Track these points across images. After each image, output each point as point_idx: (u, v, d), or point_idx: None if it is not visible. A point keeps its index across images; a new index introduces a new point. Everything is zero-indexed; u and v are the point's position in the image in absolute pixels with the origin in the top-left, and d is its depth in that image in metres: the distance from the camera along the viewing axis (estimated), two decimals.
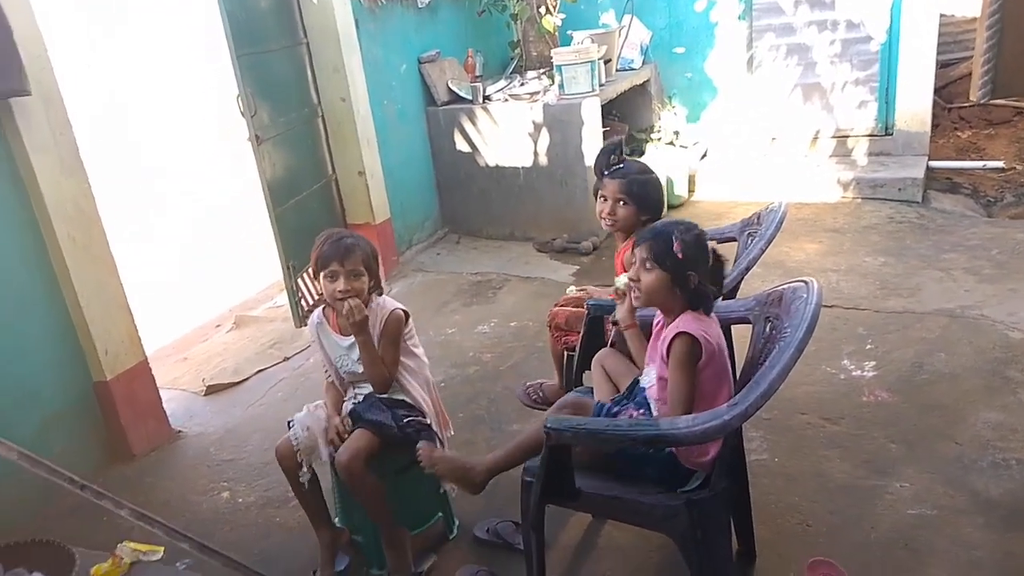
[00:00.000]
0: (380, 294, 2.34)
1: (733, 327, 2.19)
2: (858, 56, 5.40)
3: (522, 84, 5.18)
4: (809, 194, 5.24)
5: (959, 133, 6.21)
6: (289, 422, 2.34)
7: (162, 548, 2.13)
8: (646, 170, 2.55)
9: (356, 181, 4.64)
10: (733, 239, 2.63)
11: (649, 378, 1.97)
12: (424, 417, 2.34)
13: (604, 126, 4.87)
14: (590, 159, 4.29)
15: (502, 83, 5.26)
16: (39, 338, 2.93)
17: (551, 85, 4.96)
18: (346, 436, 2.26)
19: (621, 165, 2.52)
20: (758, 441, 2.79)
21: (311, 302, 4.26)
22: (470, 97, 5.08)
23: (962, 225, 4.64)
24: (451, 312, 4.27)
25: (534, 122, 4.86)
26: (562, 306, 2.91)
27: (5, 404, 2.80)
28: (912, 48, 5.17)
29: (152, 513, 2.00)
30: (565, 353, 2.83)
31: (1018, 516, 2.33)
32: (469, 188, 5.29)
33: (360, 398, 2.37)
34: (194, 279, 5.26)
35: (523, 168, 5.03)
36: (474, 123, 5.06)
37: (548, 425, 1.78)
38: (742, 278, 2.41)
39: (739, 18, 5.57)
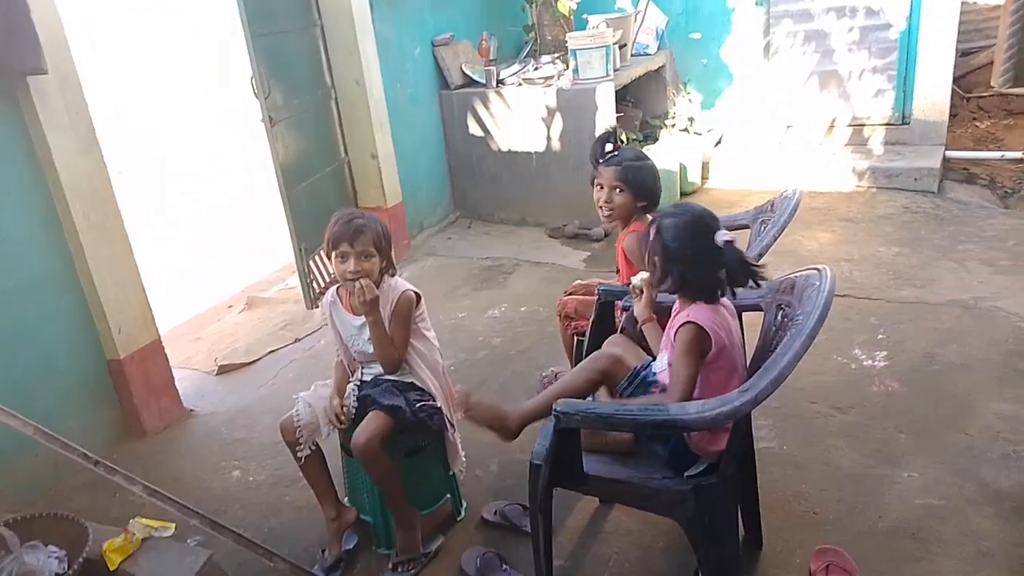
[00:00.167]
0: (393, 275, 2.35)
1: (745, 314, 2.18)
2: (877, 43, 5.33)
3: (536, 68, 5.16)
4: (823, 183, 5.20)
5: (977, 123, 6.14)
6: (296, 398, 2.37)
7: (173, 524, 2.16)
8: (641, 156, 2.55)
9: (368, 164, 4.64)
10: (746, 226, 2.61)
11: (661, 363, 1.98)
12: (434, 400, 2.36)
13: (618, 112, 4.85)
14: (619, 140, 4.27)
15: (516, 67, 5.24)
16: (54, 316, 2.96)
17: (565, 70, 4.94)
18: (344, 417, 2.28)
19: (616, 153, 2.52)
20: (767, 429, 2.79)
21: (323, 284, 4.28)
22: (484, 81, 5.06)
23: (978, 216, 4.60)
24: (462, 296, 4.27)
25: (547, 107, 4.84)
26: (571, 294, 2.92)
27: (21, 381, 2.83)
28: (932, 36, 5.10)
29: (163, 490, 2.02)
30: (575, 339, 2.83)
31: None
32: (481, 172, 5.28)
33: (369, 378, 2.38)
34: (207, 260, 5.28)
35: (536, 153, 5.02)
36: (487, 107, 5.04)
37: (557, 409, 1.79)
38: None
39: (756, 4, 5.50)
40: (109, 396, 3.16)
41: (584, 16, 5.16)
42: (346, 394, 2.35)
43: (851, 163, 5.26)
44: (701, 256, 1.84)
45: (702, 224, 1.86)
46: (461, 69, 5.16)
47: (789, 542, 2.28)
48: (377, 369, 2.37)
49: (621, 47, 5.06)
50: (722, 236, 1.83)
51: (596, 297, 2.42)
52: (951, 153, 5.37)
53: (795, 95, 5.65)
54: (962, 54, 6.04)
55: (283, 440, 2.34)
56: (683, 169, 5.31)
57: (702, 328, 1.80)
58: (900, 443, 2.67)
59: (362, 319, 2.29)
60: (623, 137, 5.31)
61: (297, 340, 3.96)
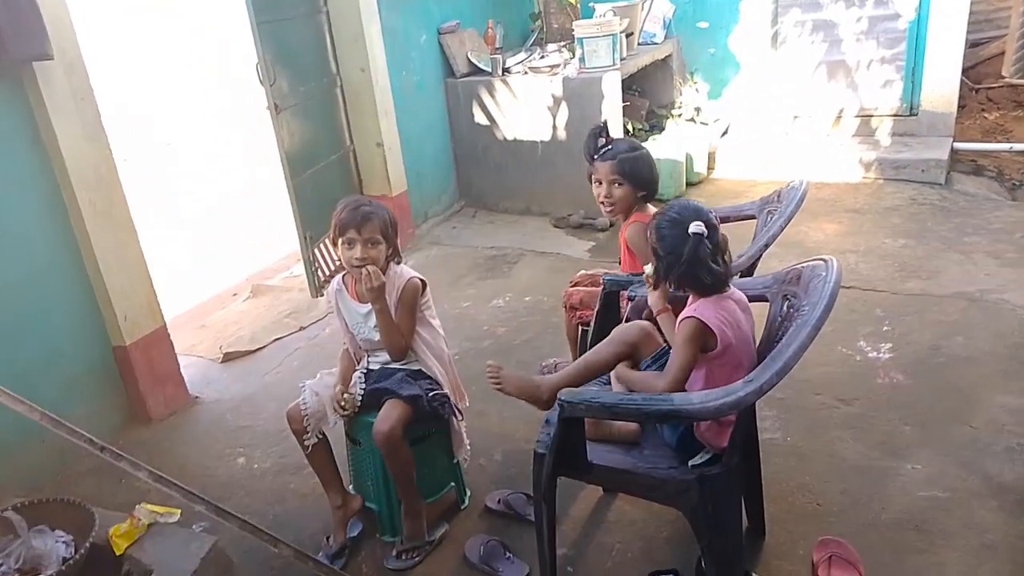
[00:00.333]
0: (399, 262, 2.35)
1: (751, 305, 2.18)
2: (885, 34, 5.29)
3: (542, 57, 5.13)
4: (830, 173, 5.17)
5: (986, 115, 6.09)
6: (302, 386, 2.37)
7: (179, 510, 2.17)
8: (635, 147, 2.54)
9: (374, 152, 4.63)
10: (752, 217, 2.60)
11: None
12: (442, 388, 2.36)
13: (624, 101, 4.83)
14: (611, 134, 4.26)
15: (522, 55, 5.21)
16: (60, 303, 2.96)
17: (571, 58, 4.91)
18: (347, 405, 2.28)
19: (609, 147, 2.50)
20: (771, 420, 2.79)
21: (328, 272, 4.28)
22: (489, 69, 5.04)
23: (985, 208, 4.57)
24: (466, 286, 4.27)
25: (553, 96, 4.82)
26: (576, 285, 2.91)
27: (27, 368, 2.84)
28: (941, 26, 5.05)
29: (169, 476, 2.03)
30: (580, 329, 2.83)
31: None
32: (486, 161, 5.27)
33: (376, 367, 2.39)
34: (211, 250, 5.28)
35: (541, 142, 5.00)
36: (493, 96, 5.02)
37: (562, 398, 1.79)
38: (760, 256, 2.39)
39: None
40: (115, 383, 3.18)
41: (591, 4, 5.13)
42: (352, 383, 2.36)
43: (858, 154, 5.23)
44: (682, 251, 1.83)
45: (679, 220, 1.85)
46: (467, 57, 5.14)
47: (792, 533, 2.28)
48: (383, 357, 2.38)
49: (628, 36, 5.02)
50: (693, 227, 1.81)
51: (602, 287, 2.42)
52: (959, 145, 5.33)
53: (802, 85, 5.62)
54: (972, 44, 5.98)
55: (290, 428, 2.35)
56: (689, 159, 5.29)
57: (705, 325, 1.81)
58: (904, 435, 2.67)
59: (368, 307, 2.29)
60: (629, 126, 5.29)
61: (302, 328, 3.97)
